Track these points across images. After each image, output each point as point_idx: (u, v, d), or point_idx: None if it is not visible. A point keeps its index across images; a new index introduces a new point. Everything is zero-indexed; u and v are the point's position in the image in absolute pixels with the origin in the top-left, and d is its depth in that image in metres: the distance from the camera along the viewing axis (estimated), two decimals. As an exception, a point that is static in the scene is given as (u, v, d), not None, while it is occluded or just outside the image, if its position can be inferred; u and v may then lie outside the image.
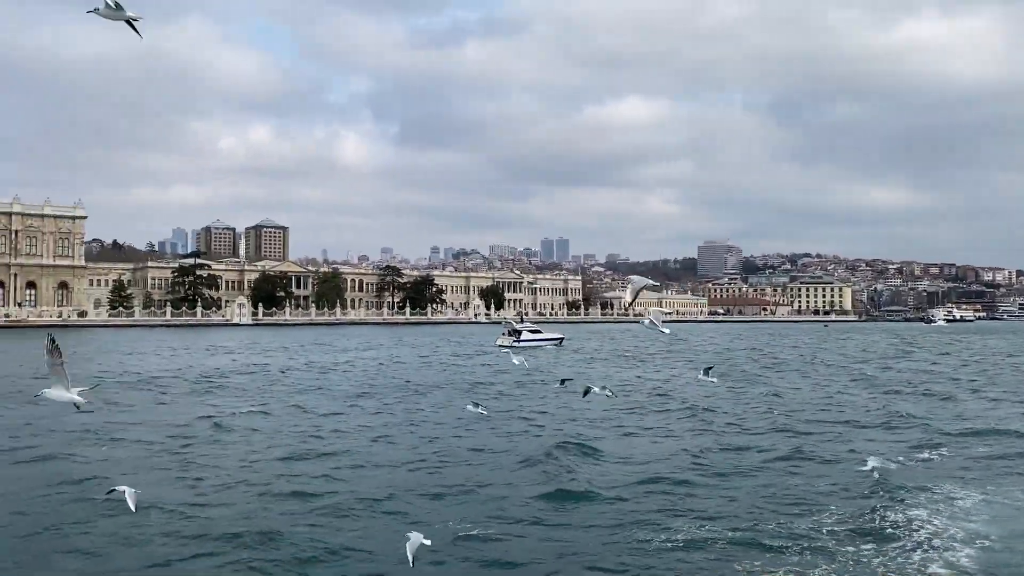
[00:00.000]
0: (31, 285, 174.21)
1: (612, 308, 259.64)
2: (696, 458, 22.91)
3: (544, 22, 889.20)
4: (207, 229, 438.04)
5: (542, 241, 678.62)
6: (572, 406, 33.33)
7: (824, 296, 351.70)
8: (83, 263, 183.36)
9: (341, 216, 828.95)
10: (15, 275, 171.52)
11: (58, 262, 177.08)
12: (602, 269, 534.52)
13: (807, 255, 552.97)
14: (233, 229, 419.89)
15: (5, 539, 15.29)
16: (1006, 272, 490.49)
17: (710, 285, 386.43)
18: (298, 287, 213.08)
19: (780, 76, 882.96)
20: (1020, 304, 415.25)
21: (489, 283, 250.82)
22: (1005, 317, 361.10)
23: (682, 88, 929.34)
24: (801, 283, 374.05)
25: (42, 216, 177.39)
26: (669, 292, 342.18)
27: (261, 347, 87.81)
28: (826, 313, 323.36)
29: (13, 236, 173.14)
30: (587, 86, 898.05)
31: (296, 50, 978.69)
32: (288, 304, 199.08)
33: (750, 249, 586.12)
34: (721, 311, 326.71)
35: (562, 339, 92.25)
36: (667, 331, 17.14)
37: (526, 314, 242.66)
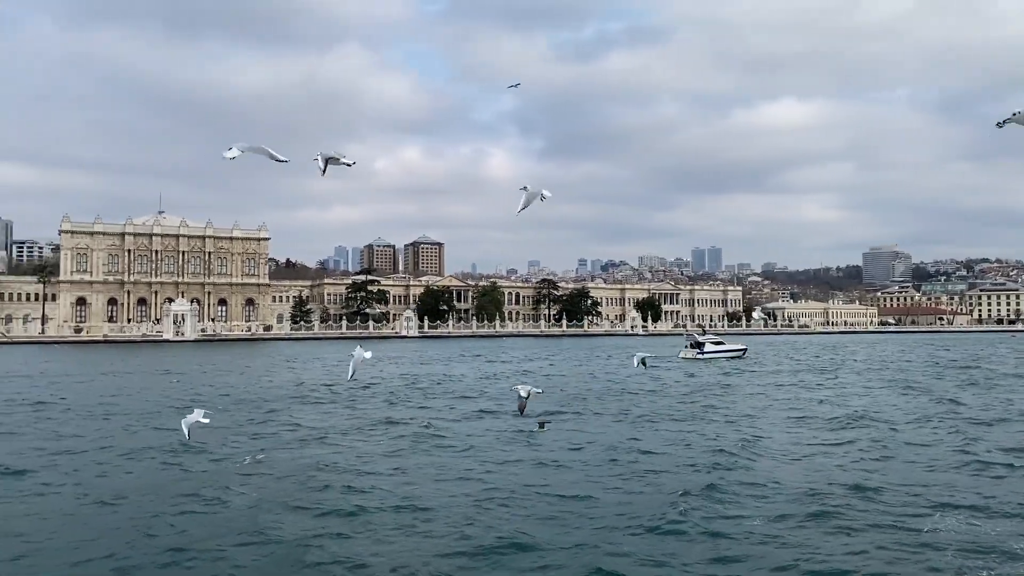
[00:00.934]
0: (222, 302, 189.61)
1: (776, 319, 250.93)
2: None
3: (690, 27, 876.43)
4: (369, 247, 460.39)
5: (693, 251, 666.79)
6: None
7: (1009, 304, 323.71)
8: (267, 281, 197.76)
9: (488, 231, 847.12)
10: (208, 293, 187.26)
11: (245, 280, 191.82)
12: (759, 279, 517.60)
13: (985, 260, 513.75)
14: (393, 246, 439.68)
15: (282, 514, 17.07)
16: None
17: (878, 294, 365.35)
18: (458, 300, 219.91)
19: (949, 71, 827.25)
20: None
21: (645, 295, 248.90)
22: None
23: (840, 88, 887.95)
24: (981, 290, 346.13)
25: (231, 238, 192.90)
26: (835, 301, 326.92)
27: (454, 356, 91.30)
28: (1011, 322, 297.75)
29: (207, 257, 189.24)
30: (736, 90, 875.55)
31: (445, 71, 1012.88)
32: (451, 317, 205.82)
33: (920, 255, 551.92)
34: (891, 321, 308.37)
35: (745, 350, 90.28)
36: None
37: (684, 325, 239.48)
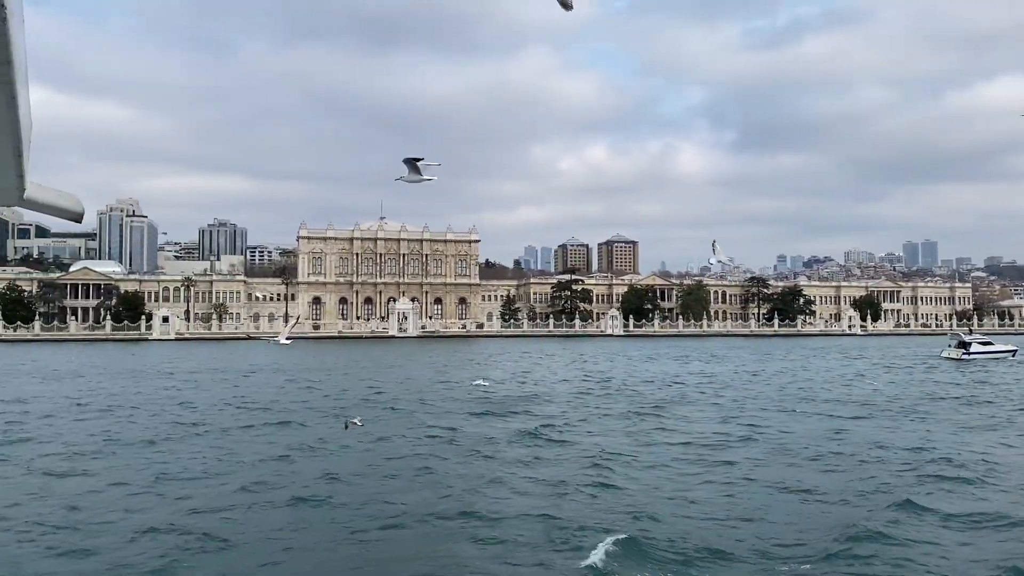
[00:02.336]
0: (438, 301, 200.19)
1: (1012, 319, 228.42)
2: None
3: (892, 5, 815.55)
4: (563, 247, 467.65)
5: (904, 245, 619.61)
6: None
7: None
8: (478, 281, 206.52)
9: (679, 228, 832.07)
10: (426, 292, 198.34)
11: (459, 280, 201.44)
12: (983, 274, 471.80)
13: None
14: (586, 245, 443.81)
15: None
16: None
17: None
18: (661, 299, 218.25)
19: None
20: None
21: (862, 292, 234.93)
22: None
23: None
24: None
25: (445, 241, 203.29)
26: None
27: (666, 355, 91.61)
28: None
29: (424, 259, 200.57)
30: (947, 70, 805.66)
31: (630, 67, 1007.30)
32: (655, 316, 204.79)
33: None
34: None
35: (1016, 351, 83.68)
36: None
37: (907, 324, 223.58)
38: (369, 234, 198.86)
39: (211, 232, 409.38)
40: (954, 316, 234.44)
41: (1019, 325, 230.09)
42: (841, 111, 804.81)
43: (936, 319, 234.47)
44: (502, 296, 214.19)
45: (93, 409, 39.68)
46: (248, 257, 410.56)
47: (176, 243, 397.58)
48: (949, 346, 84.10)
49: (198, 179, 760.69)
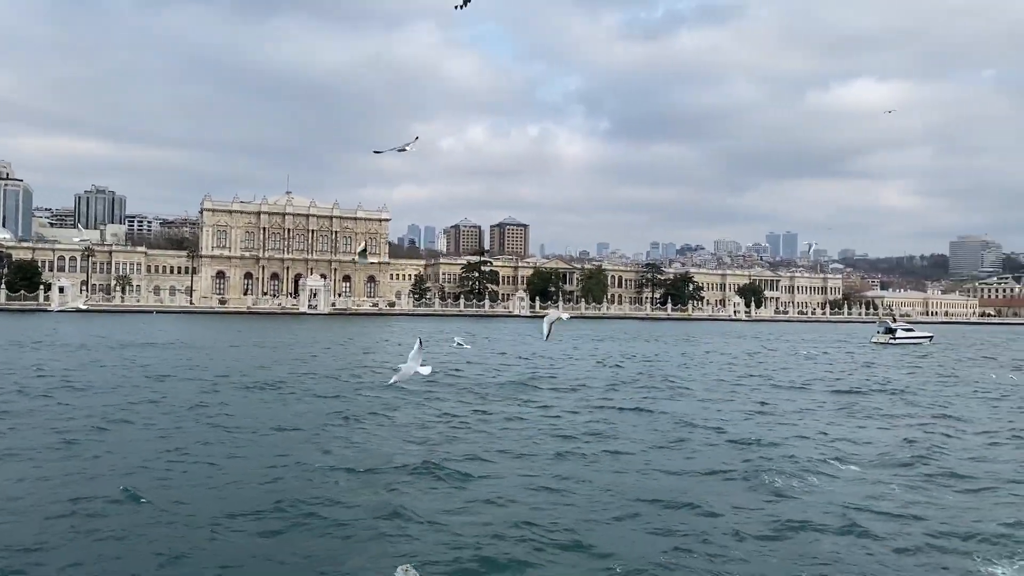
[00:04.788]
0: (346, 278, 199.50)
1: (876, 309, 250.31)
2: None
3: (763, 5, 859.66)
4: (456, 227, 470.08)
5: (767, 236, 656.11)
6: None
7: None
8: (388, 259, 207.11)
9: (556, 213, 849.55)
10: (335, 269, 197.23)
11: (369, 259, 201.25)
12: (840, 266, 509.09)
13: None
14: (479, 227, 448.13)
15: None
16: None
17: (976, 284, 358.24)
18: (562, 282, 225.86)
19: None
20: None
21: (746, 280, 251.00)
22: None
23: (923, 69, 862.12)
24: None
25: (355, 218, 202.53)
26: (934, 292, 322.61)
27: (593, 337, 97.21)
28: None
29: (333, 236, 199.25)
30: (811, 70, 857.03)
31: (515, 50, 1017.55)
32: (559, 298, 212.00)
33: (1011, 245, 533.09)
34: (991, 312, 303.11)
35: (932, 336, 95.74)
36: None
37: (785, 311, 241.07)
38: (277, 208, 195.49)
39: (88, 199, 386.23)
40: (827, 305, 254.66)
41: (883, 313, 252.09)
42: (713, 105, 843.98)
43: (809, 307, 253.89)
44: (410, 276, 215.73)
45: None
46: (128, 227, 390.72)
47: (47, 208, 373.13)
48: (878, 332, 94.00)
49: (56, 141, 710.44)
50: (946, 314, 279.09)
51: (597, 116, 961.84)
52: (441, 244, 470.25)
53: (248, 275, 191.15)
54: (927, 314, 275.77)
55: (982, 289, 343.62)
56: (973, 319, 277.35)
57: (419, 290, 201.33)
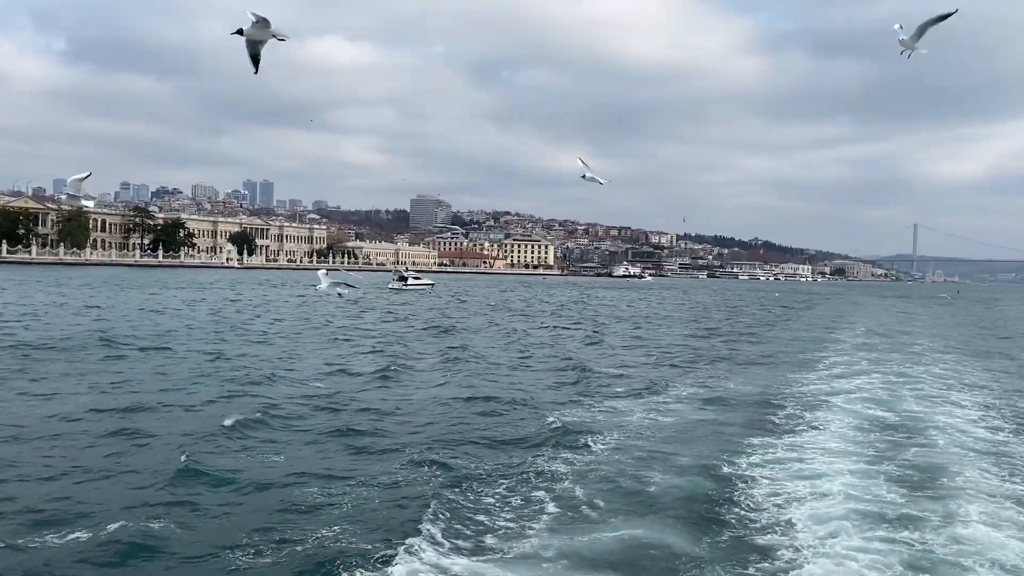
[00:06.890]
0: None
1: (356, 258, 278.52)
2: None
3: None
4: None
5: (244, 183, 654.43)
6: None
7: (533, 252, 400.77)
8: None
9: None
10: None
11: None
12: (316, 216, 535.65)
13: (508, 213, 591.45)
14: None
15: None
16: (669, 235, 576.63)
17: (436, 238, 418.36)
18: (36, 225, 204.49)
19: (480, 35, 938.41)
20: (680, 264, 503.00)
21: (238, 228, 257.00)
22: (669, 275, 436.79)
23: (387, 35, 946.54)
24: (514, 240, 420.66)
25: None
26: (403, 243, 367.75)
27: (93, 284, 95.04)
28: (535, 267, 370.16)
29: None
30: (286, 20, 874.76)
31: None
32: (35, 243, 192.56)
33: (457, 204, 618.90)
34: (446, 263, 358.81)
35: (433, 284, 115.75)
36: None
37: (276, 260, 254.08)
38: None
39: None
40: (314, 253, 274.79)
41: (363, 263, 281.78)
42: (181, 40, 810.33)
43: (298, 256, 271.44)
44: None
45: None
46: None
47: None
48: (393, 279, 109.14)
49: None
50: (414, 263, 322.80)
51: (50, 34, 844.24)
52: None
53: None
54: (397, 263, 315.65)
55: (439, 242, 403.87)
56: (434, 268, 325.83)
57: None
